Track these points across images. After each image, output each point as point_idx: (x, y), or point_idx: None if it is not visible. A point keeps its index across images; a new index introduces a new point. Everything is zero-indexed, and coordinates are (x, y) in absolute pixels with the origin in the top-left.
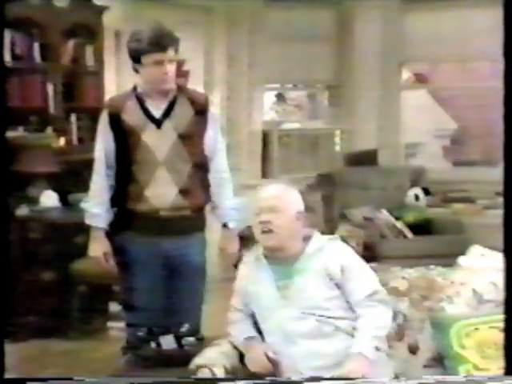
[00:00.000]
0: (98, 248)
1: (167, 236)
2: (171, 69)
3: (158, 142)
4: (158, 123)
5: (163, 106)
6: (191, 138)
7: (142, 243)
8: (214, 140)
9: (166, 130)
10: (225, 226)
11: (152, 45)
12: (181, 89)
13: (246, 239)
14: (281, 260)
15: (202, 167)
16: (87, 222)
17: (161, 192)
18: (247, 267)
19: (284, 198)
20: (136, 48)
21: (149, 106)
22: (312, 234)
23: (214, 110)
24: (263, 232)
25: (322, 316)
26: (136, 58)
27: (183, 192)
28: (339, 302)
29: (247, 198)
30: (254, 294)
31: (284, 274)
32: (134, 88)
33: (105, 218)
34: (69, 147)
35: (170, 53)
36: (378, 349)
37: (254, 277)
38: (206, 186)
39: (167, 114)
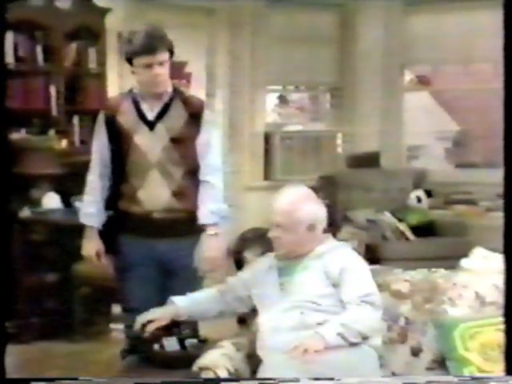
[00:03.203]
0: (91, 247)
1: (161, 238)
2: (161, 71)
3: (151, 144)
4: (150, 125)
5: (157, 108)
6: (183, 142)
7: (136, 245)
8: (206, 144)
9: (159, 132)
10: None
11: (141, 47)
12: (177, 91)
13: (248, 241)
14: (289, 258)
15: (195, 170)
16: (81, 220)
17: (154, 194)
18: (257, 263)
19: (294, 214)
20: (127, 50)
21: (143, 107)
22: (326, 238)
23: (210, 114)
24: (274, 242)
25: (308, 309)
26: (129, 60)
27: (176, 194)
28: (331, 300)
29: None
30: (257, 287)
31: (288, 270)
32: (131, 90)
33: (98, 218)
34: (71, 149)
35: (160, 56)
36: (345, 339)
37: (262, 271)
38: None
39: (161, 116)
